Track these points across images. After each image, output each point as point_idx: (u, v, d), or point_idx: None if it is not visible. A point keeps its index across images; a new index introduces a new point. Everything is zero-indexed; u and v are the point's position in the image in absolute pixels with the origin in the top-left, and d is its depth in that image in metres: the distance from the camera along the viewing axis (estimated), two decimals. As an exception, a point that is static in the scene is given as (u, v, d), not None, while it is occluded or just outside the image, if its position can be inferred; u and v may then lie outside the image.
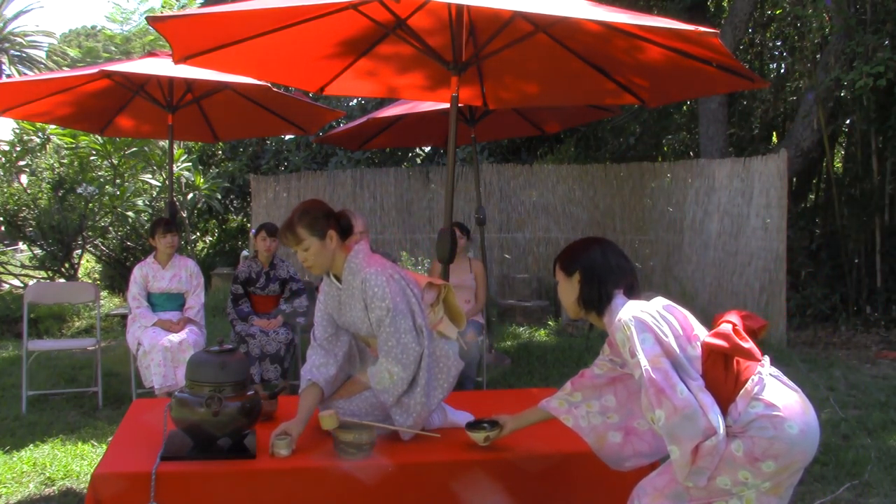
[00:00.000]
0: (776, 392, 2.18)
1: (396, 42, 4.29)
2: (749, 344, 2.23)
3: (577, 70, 4.37)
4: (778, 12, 10.72)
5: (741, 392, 2.18)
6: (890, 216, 8.63)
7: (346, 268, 2.92)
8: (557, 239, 9.92)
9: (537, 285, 8.72)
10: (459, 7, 3.89)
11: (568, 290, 2.44)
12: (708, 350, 2.24)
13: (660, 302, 2.30)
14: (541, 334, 7.74)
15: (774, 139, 11.46)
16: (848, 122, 9.90)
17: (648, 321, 2.21)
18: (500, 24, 3.92)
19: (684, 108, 11.86)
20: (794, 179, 10.11)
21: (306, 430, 2.81)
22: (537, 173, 9.99)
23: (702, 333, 2.29)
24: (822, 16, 8.55)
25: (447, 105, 4.87)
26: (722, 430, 2.11)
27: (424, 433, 2.88)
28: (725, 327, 2.27)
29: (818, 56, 9.35)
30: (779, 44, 11.78)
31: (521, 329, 7.93)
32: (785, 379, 2.26)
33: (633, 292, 2.39)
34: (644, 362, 2.15)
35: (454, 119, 4.00)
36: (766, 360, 2.28)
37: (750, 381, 2.19)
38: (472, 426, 2.82)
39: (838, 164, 10.82)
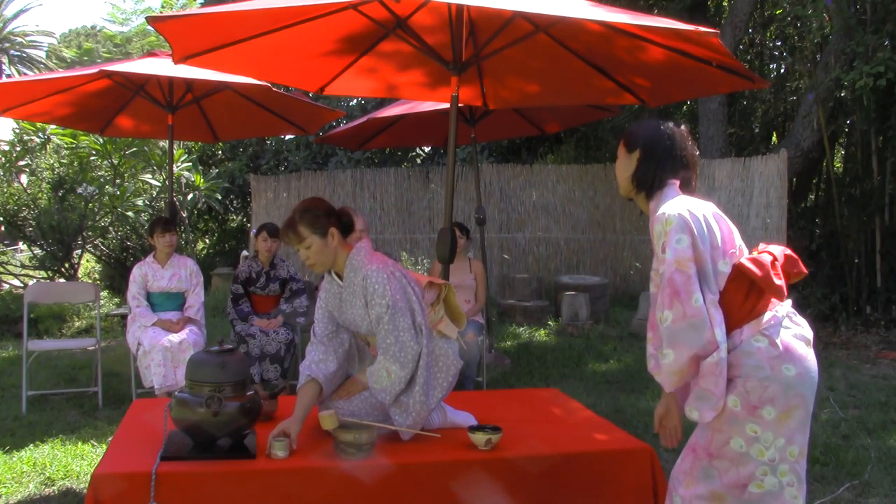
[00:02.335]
0: (785, 333, 2.18)
1: (396, 42, 4.29)
2: (780, 281, 2.20)
3: (577, 70, 4.37)
4: (778, 12, 10.73)
5: (752, 322, 2.18)
6: (890, 216, 8.63)
7: (348, 265, 2.92)
8: (557, 239, 9.92)
9: (537, 285, 8.71)
10: (459, 7, 3.89)
11: (624, 166, 2.41)
12: (738, 271, 2.20)
13: (710, 208, 2.28)
14: (541, 334, 7.74)
15: (774, 139, 11.47)
16: (848, 122, 9.90)
17: (691, 223, 2.18)
18: (501, 23, 3.92)
19: (684, 108, 11.86)
20: (794, 179, 10.11)
21: (306, 429, 2.81)
22: (537, 173, 9.99)
23: (739, 253, 2.26)
24: (822, 16, 8.55)
25: (447, 105, 4.87)
26: (724, 348, 2.12)
27: (424, 433, 2.88)
28: (765, 258, 2.23)
29: (818, 56, 9.35)
30: (779, 44, 11.79)
31: (521, 329, 7.93)
32: (799, 322, 2.25)
33: (687, 188, 2.34)
34: (671, 261, 2.15)
35: (454, 119, 4.00)
36: (788, 303, 2.26)
37: (765, 315, 2.18)
38: (475, 429, 2.83)
39: (838, 164, 10.83)
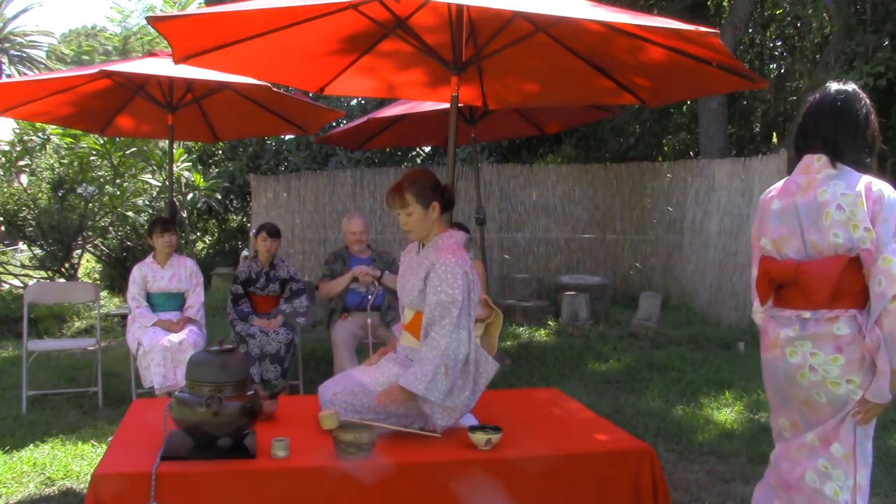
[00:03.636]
0: (768, 322, 2.58)
1: (396, 42, 4.30)
2: (760, 292, 2.56)
3: (577, 70, 4.37)
4: (778, 12, 10.73)
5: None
6: (890, 216, 8.62)
7: (433, 242, 3.04)
8: (557, 239, 9.91)
9: (537, 285, 8.71)
10: (459, 7, 3.89)
11: None
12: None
13: (777, 202, 2.50)
14: (541, 334, 7.74)
15: (774, 139, 11.46)
16: (848, 122, 9.89)
17: (760, 208, 2.58)
18: (501, 23, 3.92)
19: (684, 108, 11.87)
20: (794, 179, 10.10)
21: (306, 429, 2.84)
22: (537, 173, 9.99)
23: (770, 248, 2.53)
24: (822, 16, 8.56)
25: (447, 105, 4.87)
26: (757, 317, 2.66)
27: (424, 433, 2.88)
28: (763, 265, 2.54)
29: (818, 56, 9.36)
30: (779, 44, 11.80)
31: (521, 329, 7.92)
32: (786, 323, 2.48)
33: (842, 159, 2.39)
34: (753, 235, 2.65)
35: (454, 119, 4.00)
36: (817, 314, 2.41)
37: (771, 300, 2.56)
38: (475, 429, 2.83)
39: (838, 164, 10.81)
